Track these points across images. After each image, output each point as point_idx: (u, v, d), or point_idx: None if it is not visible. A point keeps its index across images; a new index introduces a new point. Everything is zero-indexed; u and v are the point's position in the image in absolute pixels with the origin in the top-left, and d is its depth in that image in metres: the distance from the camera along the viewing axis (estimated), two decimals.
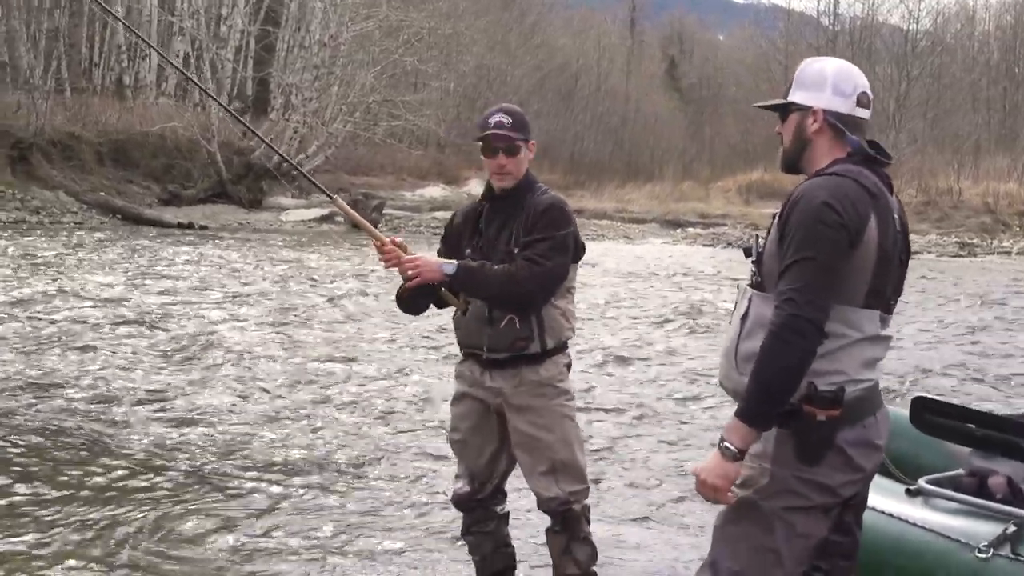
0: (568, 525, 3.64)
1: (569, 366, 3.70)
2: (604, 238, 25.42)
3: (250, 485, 5.44)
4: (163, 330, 9.64)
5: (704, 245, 24.45)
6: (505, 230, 3.59)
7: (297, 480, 5.58)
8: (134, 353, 8.62)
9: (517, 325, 3.53)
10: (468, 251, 3.63)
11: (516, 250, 3.52)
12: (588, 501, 3.71)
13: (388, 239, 3.63)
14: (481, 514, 3.79)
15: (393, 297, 3.78)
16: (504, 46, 40.95)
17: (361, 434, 6.58)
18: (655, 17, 62.99)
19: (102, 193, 23.73)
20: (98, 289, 11.85)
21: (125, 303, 11.03)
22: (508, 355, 3.56)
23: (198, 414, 6.88)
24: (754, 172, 33.82)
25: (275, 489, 5.40)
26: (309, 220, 25.19)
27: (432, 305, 3.72)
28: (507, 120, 3.57)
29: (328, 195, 3.99)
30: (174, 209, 24.24)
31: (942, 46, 40.97)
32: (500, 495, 3.82)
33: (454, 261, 3.54)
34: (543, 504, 3.65)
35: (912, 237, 2.78)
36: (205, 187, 25.91)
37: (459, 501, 3.79)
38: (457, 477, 3.81)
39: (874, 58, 38.04)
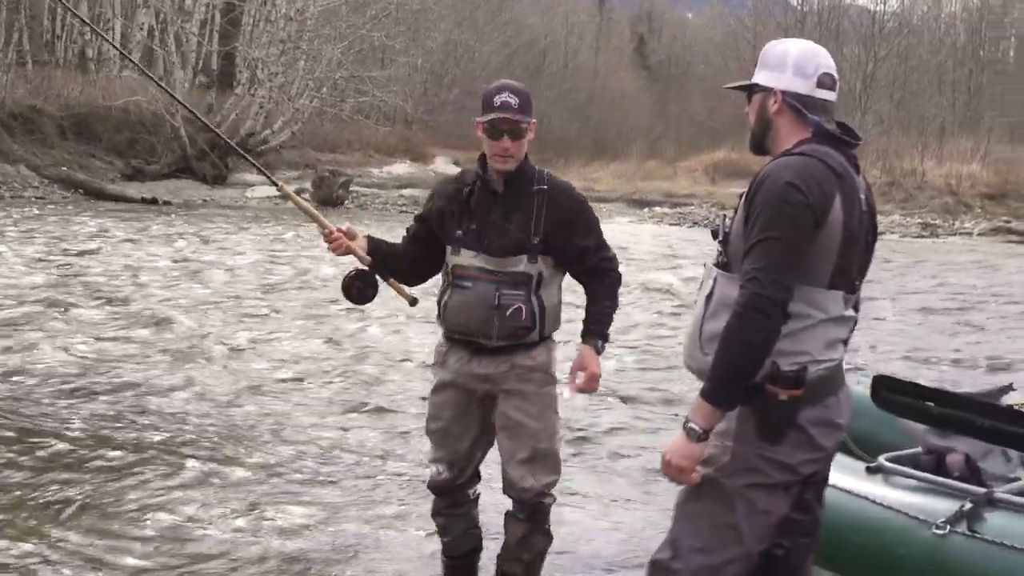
0: (534, 518, 3.60)
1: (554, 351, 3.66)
2: None
3: (192, 463, 5.33)
4: (113, 304, 9.59)
5: (670, 224, 24.55)
6: (514, 217, 3.46)
7: (243, 457, 5.52)
8: (78, 327, 8.55)
9: (523, 315, 3.45)
10: (459, 233, 3.50)
11: (536, 240, 3.42)
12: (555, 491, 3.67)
13: (335, 227, 3.59)
14: (459, 497, 3.74)
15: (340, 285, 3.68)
16: (472, 22, 40.72)
17: (312, 410, 6.54)
18: None
19: (64, 168, 23.45)
20: (49, 261, 11.73)
21: (76, 276, 10.94)
22: (508, 343, 3.49)
23: (141, 389, 6.81)
24: (720, 151, 33.89)
25: (218, 465, 5.32)
26: (274, 196, 24.96)
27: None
28: (514, 101, 3.39)
29: (275, 184, 3.92)
30: (137, 184, 23.99)
31: (909, 28, 41.26)
32: (476, 478, 3.77)
33: (596, 340, 3.54)
34: (514, 492, 3.58)
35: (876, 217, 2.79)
36: (169, 162, 25.64)
37: (437, 487, 3.72)
38: (434, 462, 3.72)
39: (842, 39, 38.27)
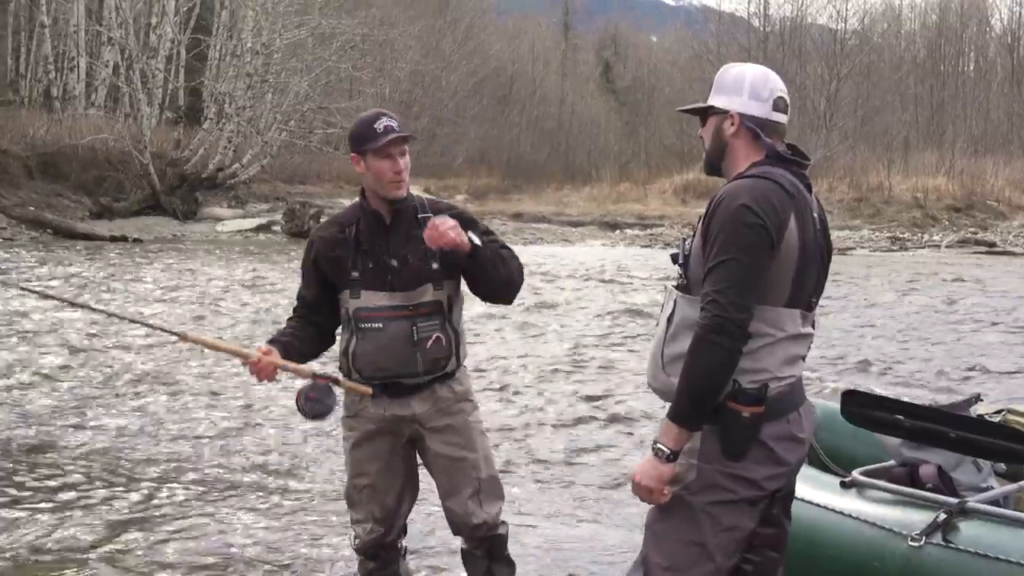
0: (492, 551, 3.54)
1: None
2: (543, 241, 25.49)
3: (134, 495, 5.35)
4: (83, 344, 9.48)
5: (642, 246, 24.60)
6: (409, 247, 3.36)
7: (181, 490, 5.51)
8: (41, 369, 8.46)
9: (443, 342, 3.36)
10: (356, 275, 3.36)
11: (435, 266, 3.33)
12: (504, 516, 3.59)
13: (256, 355, 3.23)
14: (391, 555, 3.58)
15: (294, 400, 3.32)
16: (438, 52, 40.94)
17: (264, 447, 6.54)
18: (589, 20, 63.36)
19: (32, 208, 23.27)
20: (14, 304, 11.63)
21: (45, 318, 10.84)
22: (431, 377, 3.40)
23: (106, 429, 6.78)
24: (690, 172, 34.08)
25: (163, 496, 5.33)
26: (246, 230, 24.92)
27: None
28: (395, 124, 3.30)
29: (174, 333, 3.43)
30: (106, 222, 23.84)
31: (870, 45, 41.79)
32: (403, 531, 3.64)
33: (476, 240, 3.26)
34: (467, 530, 3.50)
35: (845, 232, 2.85)
36: (138, 199, 25.50)
37: (368, 547, 3.52)
38: (359, 522, 3.52)
39: (804, 58, 38.69)
